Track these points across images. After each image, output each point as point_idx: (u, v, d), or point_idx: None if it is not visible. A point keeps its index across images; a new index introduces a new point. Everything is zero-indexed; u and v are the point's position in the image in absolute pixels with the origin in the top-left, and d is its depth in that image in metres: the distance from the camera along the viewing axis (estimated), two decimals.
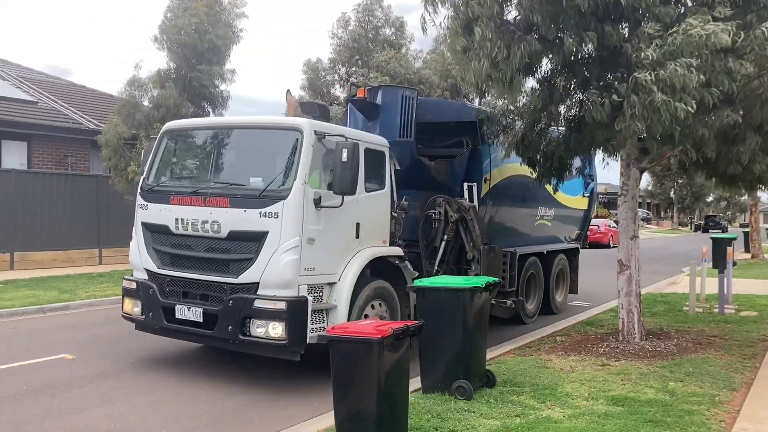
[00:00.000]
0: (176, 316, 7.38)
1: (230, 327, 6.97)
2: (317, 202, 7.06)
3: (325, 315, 7.30)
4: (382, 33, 36.30)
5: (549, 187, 11.84)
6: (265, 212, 6.93)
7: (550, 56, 7.69)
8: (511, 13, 7.78)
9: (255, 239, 6.97)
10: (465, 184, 9.90)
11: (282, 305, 6.78)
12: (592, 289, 15.15)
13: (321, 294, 7.28)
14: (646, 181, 68.85)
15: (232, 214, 7.10)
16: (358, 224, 7.71)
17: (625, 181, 9.26)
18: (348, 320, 7.40)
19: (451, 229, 9.58)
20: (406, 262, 8.68)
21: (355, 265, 7.55)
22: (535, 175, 9.85)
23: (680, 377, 7.39)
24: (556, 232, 12.86)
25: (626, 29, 7.64)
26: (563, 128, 9.00)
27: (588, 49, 7.65)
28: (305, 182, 6.96)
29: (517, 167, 10.90)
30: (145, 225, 7.76)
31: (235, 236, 7.09)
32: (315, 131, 7.18)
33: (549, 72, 8.32)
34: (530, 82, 8.59)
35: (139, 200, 7.84)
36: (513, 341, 9.62)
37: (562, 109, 8.66)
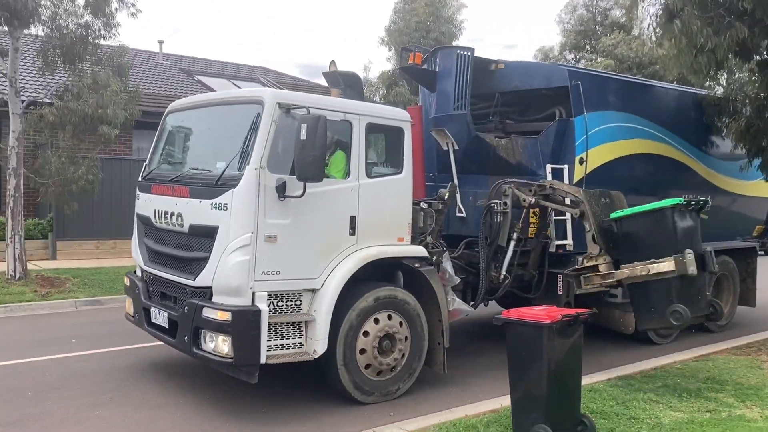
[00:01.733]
0: (152, 320, 6.58)
1: (186, 337, 5.96)
2: (280, 191, 5.73)
3: (304, 329, 5.97)
4: (611, 15, 33.79)
5: (704, 168, 9.24)
6: (215, 203, 5.78)
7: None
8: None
9: (209, 235, 5.86)
10: (549, 167, 7.79)
11: (227, 316, 5.59)
12: None
13: (297, 303, 5.96)
14: None
15: (191, 205, 6.06)
16: (353, 217, 6.22)
17: None
18: (338, 337, 6.01)
19: (533, 220, 7.59)
20: (445, 265, 6.99)
21: (343, 269, 6.09)
22: (756, 166, 9.25)
23: None
24: (719, 228, 9.88)
25: None
26: None
27: None
28: (262, 166, 5.66)
29: (639, 144, 8.49)
30: (138, 216, 7.07)
31: (194, 231, 6.05)
32: (279, 103, 5.84)
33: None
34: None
35: (137, 191, 7.17)
36: (732, 340, 9.04)
37: None
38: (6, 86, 11.75)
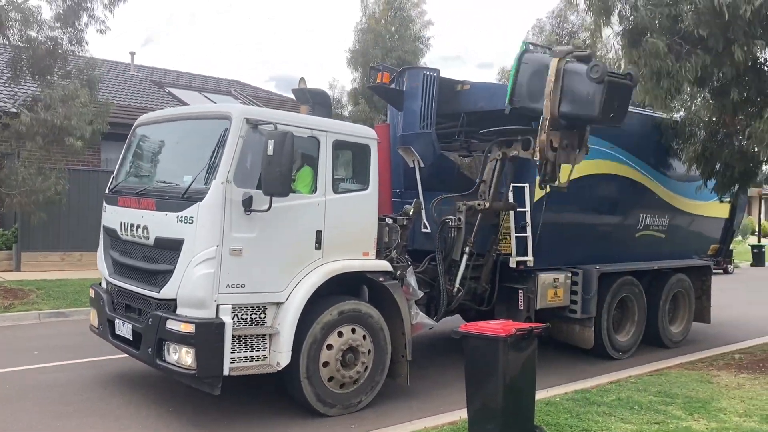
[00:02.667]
0: (116, 332, 6.60)
1: (150, 349, 5.99)
2: (247, 205, 5.83)
3: (268, 341, 6.05)
4: (577, 37, 34.35)
5: (663, 189, 9.54)
6: (182, 216, 5.86)
7: (721, 69, 7.84)
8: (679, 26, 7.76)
9: (175, 248, 5.92)
10: (511, 185, 8.00)
11: (190, 328, 5.64)
12: None
13: (262, 316, 6.04)
14: None
15: (157, 217, 6.13)
16: (319, 232, 6.34)
17: None
18: (302, 349, 6.10)
19: (503, 238, 7.85)
20: (409, 279, 7.13)
21: (307, 283, 6.20)
22: (710, 188, 9.59)
23: None
24: (675, 246, 10.22)
25: None
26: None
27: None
28: (228, 180, 5.76)
29: (599, 165, 8.74)
30: (104, 228, 7.09)
31: (159, 244, 6.11)
32: (246, 119, 5.96)
33: (720, 83, 8.38)
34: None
35: (103, 203, 7.20)
36: (686, 356, 9.32)
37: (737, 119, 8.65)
38: None
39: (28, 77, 12.38)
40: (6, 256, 14.79)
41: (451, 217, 7.74)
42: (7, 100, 14.18)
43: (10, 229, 15.03)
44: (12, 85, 12.66)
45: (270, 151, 5.62)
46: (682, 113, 10.04)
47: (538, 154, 7.11)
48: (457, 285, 7.69)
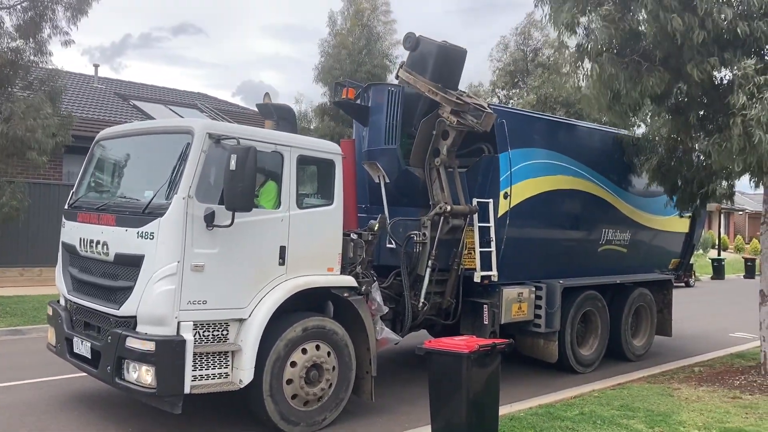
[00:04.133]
0: (74, 350, 6.45)
1: (109, 367, 5.87)
2: (209, 220, 5.76)
3: (230, 358, 5.97)
4: (542, 54, 34.77)
5: (624, 205, 9.69)
6: (142, 232, 5.77)
7: (682, 86, 8.12)
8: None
9: (135, 264, 5.82)
10: (475, 201, 8.05)
11: (150, 346, 5.54)
12: None
13: (224, 333, 5.96)
14: None
15: (117, 233, 6.02)
16: (283, 248, 6.29)
17: None
18: (265, 367, 6.02)
19: (468, 253, 7.88)
20: (374, 295, 7.12)
21: (271, 299, 6.14)
22: (673, 204, 9.82)
23: None
24: (637, 261, 10.38)
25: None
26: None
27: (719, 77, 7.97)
28: (190, 195, 5.69)
29: (561, 180, 8.86)
30: (63, 244, 6.95)
31: (119, 260, 6.00)
32: (209, 134, 5.91)
33: (679, 101, 8.57)
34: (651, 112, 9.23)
35: (62, 218, 7.06)
36: (647, 369, 9.43)
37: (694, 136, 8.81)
38: None
39: None
40: None
41: (416, 232, 7.75)
42: None
43: None
44: None
45: (232, 166, 5.58)
46: (643, 130, 10.24)
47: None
48: (422, 299, 7.70)
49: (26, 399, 7.12)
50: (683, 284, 19.63)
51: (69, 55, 52.94)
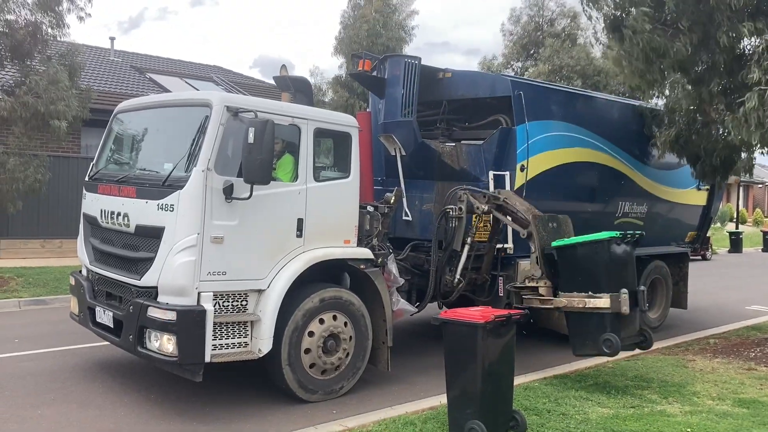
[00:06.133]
0: (96, 319, 6.60)
1: (131, 336, 6.00)
2: (228, 193, 5.83)
3: (249, 328, 6.08)
4: (557, 25, 34.16)
5: (641, 177, 9.66)
6: (162, 204, 5.85)
7: (706, 54, 7.93)
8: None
9: (155, 235, 5.92)
10: (491, 173, 8.05)
11: (172, 315, 5.66)
12: None
13: (244, 303, 6.06)
14: None
15: (137, 205, 6.11)
16: (300, 220, 6.36)
17: None
18: (283, 336, 6.14)
19: (483, 227, 7.85)
20: (390, 267, 7.18)
21: (289, 270, 6.22)
22: (694, 175, 9.76)
23: None
24: (653, 234, 10.28)
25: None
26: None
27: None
28: (209, 168, 5.75)
29: (578, 153, 8.83)
30: (84, 216, 7.06)
31: (140, 231, 6.10)
32: (227, 107, 5.95)
33: (701, 71, 8.36)
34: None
35: (83, 190, 7.17)
36: (662, 341, 9.34)
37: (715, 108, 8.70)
38: None
39: (6, 62, 12.21)
40: None
41: (452, 206, 7.73)
42: None
43: None
44: None
45: (250, 139, 5.62)
46: (661, 101, 10.15)
47: None
48: (457, 276, 7.72)
49: (51, 367, 7.30)
50: (700, 257, 19.56)
51: (85, 28, 52.98)
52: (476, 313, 5.43)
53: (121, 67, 22.17)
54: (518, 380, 6.14)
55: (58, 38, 12.17)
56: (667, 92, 9.67)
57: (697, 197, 10.95)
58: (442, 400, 5.96)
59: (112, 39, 24.27)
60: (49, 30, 11.83)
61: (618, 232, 6.86)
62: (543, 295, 7.21)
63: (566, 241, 7.04)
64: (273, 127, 5.74)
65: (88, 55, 19.75)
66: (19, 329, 9.12)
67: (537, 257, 7.23)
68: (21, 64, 12.06)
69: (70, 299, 7.34)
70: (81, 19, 12.02)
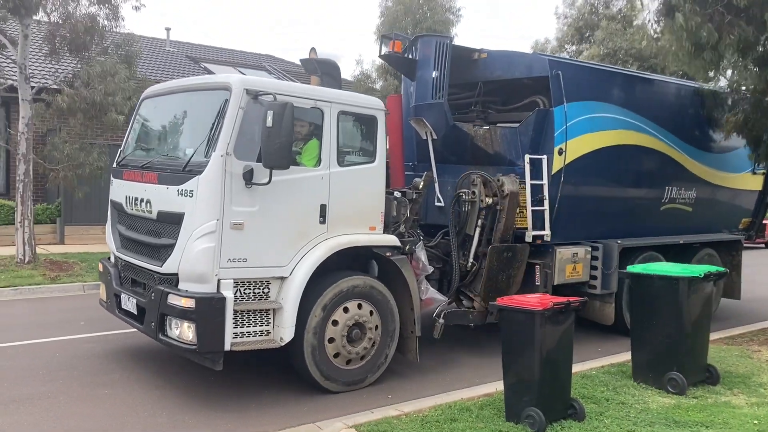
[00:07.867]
0: (122, 306, 6.60)
1: (152, 323, 5.97)
2: (247, 178, 5.71)
3: (271, 316, 5.97)
4: (613, 6, 33.09)
5: (690, 161, 9.19)
6: (182, 190, 5.78)
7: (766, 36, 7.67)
8: None
9: (176, 222, 5.86)
10: (527, 157, 7.72)
11: (191, 303, 5.59)
12: None
13: (265, 291, 5.95)
14: None
15: (159, 191, 6.07)
16: (323, 206, 6.20)
17: None
18: (307, 324, 6.01)
19: (519, 212, 7.60)
20: (419, 254, 6.97)
21: (312, 257, 6.07)
22: (754, 158, 9.55)
23: None
24: (703, 221, 9.83)
25: None
26: None
27: None
28: (228, 153, 5.64)
29: (621, 135, 8.42)
30: (111, 202, 7.09)
31: (162, 217, 6.05)
32: (246, 90, 5.81)
33: (764, 50, 8.10)
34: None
35: (111, 176, 7.18)
36: (726, 330, 9.07)
37: None
38: (13, 73, 11.82)
39: (66, 54, 12.51)
40: (50, 229, 15.10)
41: (465, 190, 7.49)
42: (48, 77, 14.30)
43: (53, 204, 15.33)
44: (52, 62, 12.87)
45: (269, 122, 5.48)
46: (722, 83, 9.63)
47: None
48: (470, 260, 7.48)
49: (114, 348, 7.53)
50: (764, 245, 18.65)
51: (141, 17, 54.03)
52: (534, 300, 5.36)
53: (177, 57, 22.46)
54: (575, 368, 5.90)
55: (114, 29, 12.41)
56: (728, 74, 9.21)
57: (753, 182, 10.35)
58: (497, 387, 5.89)
59: (168, 29, 24.46)
60: (105, 22, 12.07)
61: (700, 272, 6.40)
62: None
63: (643, 270, 6.71)
64: (292, 110, 5.58)
65: (144, 45, 20.12)
66: (84, 312, 9.27)
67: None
68: (79, 57, 12.32)
69: (100, 286, 7.39)
70: (136, 8, 12.30)
